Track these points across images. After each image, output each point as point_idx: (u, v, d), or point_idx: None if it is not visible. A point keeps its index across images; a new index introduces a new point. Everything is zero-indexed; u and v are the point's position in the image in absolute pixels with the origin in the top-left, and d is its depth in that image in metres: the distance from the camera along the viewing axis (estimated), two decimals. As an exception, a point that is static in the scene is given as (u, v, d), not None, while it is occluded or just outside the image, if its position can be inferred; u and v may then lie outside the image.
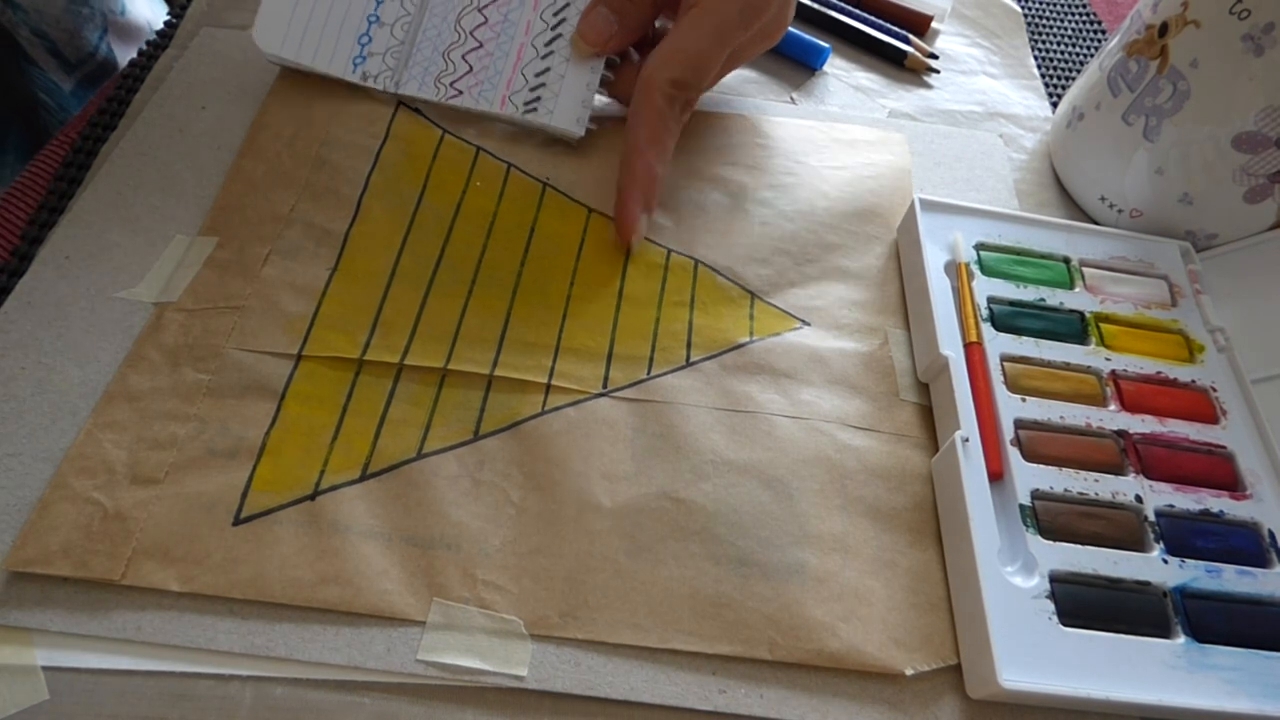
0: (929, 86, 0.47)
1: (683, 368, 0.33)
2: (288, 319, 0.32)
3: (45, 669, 0.25)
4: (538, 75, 0.39)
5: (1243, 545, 0.29)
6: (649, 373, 0.33)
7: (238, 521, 0.28)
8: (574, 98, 0.38)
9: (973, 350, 0.32)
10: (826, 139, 0.42)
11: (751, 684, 0.27)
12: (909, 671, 0.27)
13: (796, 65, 0.47)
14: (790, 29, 0.45)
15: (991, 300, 0.34)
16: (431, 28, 0.39)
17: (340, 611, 0.26)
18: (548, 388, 0.32)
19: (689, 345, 0.34)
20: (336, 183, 0.36)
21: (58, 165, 0.38)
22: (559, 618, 0.27)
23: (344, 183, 0.36)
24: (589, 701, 0.26)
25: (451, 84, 0.39)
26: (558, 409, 0.31)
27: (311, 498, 0.28)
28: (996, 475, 0.30)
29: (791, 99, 0.45)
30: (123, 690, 0.25)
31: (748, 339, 0.34)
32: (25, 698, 0.24)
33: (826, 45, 0.47)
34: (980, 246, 0.36)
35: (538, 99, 0.38)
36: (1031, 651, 0.26)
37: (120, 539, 0.27)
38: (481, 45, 0.39)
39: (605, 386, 0.32)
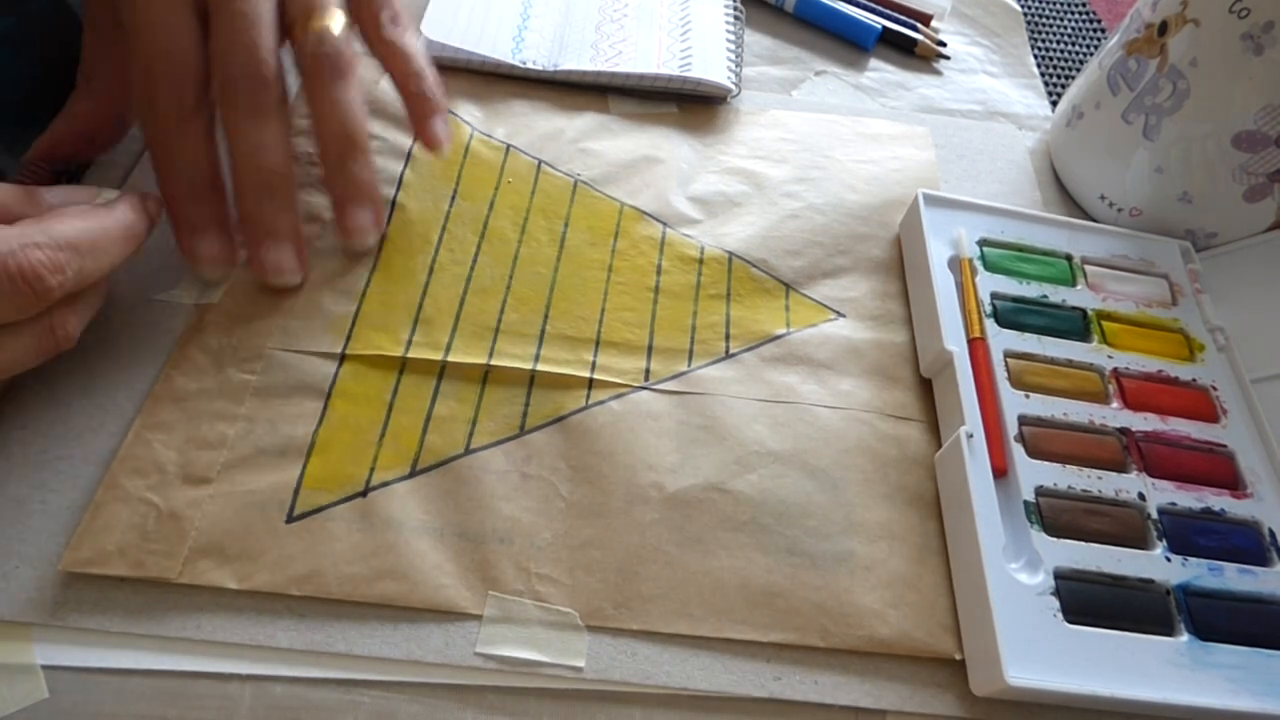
0: (937, 73, 0.48)
1: (722, 359, 0.33)
2: (330, 319, 0.32)
3: (44, 668, 0.25)
4: (684, 36, 0.43)
5: (1243, 544, 0.30)
6: (689, 365, 0.33)
7: (291, 519, 0.28)
8: (720, 57, 0.43)
9: (976, 346, 0.33)
10: (851, 133, 0.42)
11: (805, 670, 0.27)
12: (959, 655, 0.27)
13: (846, 44, 0.49)
14: (840, 7, 0.48)
15: (995, 296, 0.35)
16: (580, 7, 0.45)
17: (397, 606, 0.27)
18: (590, 382, 0.32)
19: (727, 337, 0.34)
20: (370, 182, 0.36)
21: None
22: (613, 609, 0.27)
23: (378, 183, 0.36)
24: (591, 697, 0.26)
25: (608, 57, 0.42)
26: (601, 403, 0.31)
27: (363, 494, 0.29)
28: (1001, 471, 0.30)
29: (791, 97, 0.45)
30: (122, 689, 0.25)
31: (784, 330, 0.34)
32: (25, 696, 0.24)
33: (878, 25, 0.48)
34: (983, 243, 0.36)
35: (690, 58, 0.42)
36: (1037, 649, 0.26)
37: (176, 538, 0.27)
38: (628, 15, 0.45)
39: (647, 379, 0.32)
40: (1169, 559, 0.29)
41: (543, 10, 0.45)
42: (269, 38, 0.29)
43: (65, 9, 0.38)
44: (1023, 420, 0.31)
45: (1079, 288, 0.36)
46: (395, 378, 0.31)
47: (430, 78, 0.34)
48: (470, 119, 0.40)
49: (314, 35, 0.30)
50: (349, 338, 0.32)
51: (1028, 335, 0.34)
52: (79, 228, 0.26)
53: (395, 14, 0.34)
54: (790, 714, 0.26)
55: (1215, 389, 0.33)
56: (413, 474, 0.29)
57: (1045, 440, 0.31)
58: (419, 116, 0.34)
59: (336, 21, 0.31)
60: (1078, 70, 0.50)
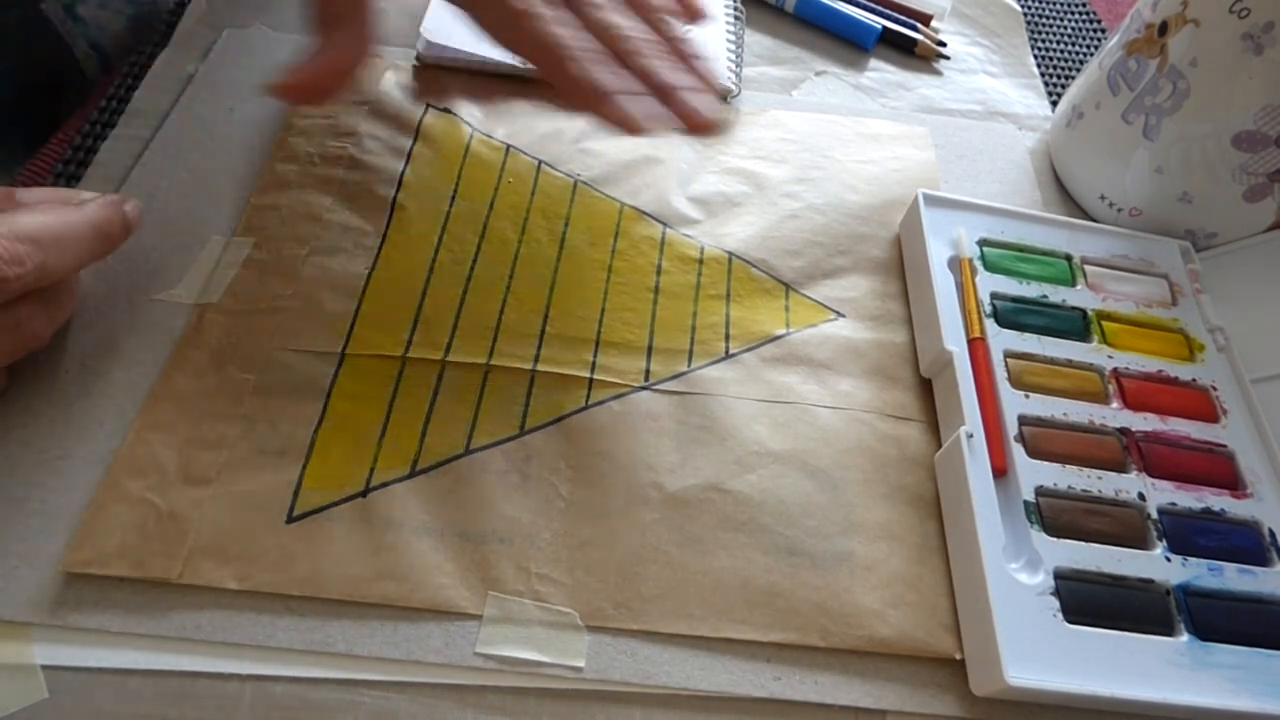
0: (937, 73, 0.48)
1: (722, 360, 0.33)
2: (329, 318, 0.32)
3: (44, 668, 0.25)
4: (684, 36, 0.42)
5: (1243, 544, 0.30)
6: (689, 365, 0.33)
7: (291, 519, 0.28)
8: (720, 57, 0.43)
9: (976, 346, 0.33)
10: (851, 133, 0.42)
11: (805, 670, 0.27)
12: (959, 655, 0.27)
13: (846, 44, 0.48)
14: (840, 7, 0.48)
15: (994, 296, 0.35)
16: None
17: (397, 606, 0.27)
18: (590, 382, 0.32)
19: (727, 337, 0.34)
20: (370, 183, 0.37)
21: (55, 162, 0.37)
22: (613, 609, 0.27)
23: (378, 183, 0.37)
24: (591, 697, 0.26)
25: None
26: (601, 403, 0.31)
27: (363, 494, 0.29)
28: (1001, 471, 0.30)
29: (791, 97, 0.45)
30: (121, 689, 0.25)
31: (784, 331, 0.34)
32: (25, 696, 0.24)
33: (878, 25, 0.48)
34: (983, 243, 0.36)
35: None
36: (1037, 649, 0.26)
37: (176, 539, 0.27)
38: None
39: (647, 379, 0.32)
40: (1169, 559, 0.29)
41: None
42: None
43: (40, 18, 0.39)
44: (1023, 420, 0.31)
45: (1079, 288, 0.36)
46: (395, 378, 0.31)
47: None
48: (470, 119, 0.40)
49: None
50: (349, 337, 0.32)
51: (1028, 335, 0.34)
52: (42, 221, 0.26)
53: None
54: (790, 714, 0.27)
55: (1215, 389, 0.33)
56: (413, 474, 0.29)
57: (1045, 440, 0.31)
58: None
59: None
60: (1078, 70, 0.50)
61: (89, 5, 0.42)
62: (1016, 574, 0.28)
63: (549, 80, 0.31)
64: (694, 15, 0.35)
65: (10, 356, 0.27)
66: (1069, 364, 0.33)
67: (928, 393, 0.33)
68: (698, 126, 0.31)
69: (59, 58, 0.41)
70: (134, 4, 0.44)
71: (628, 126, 0.30)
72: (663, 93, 0.31)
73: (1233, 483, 0.31)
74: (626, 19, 0.31)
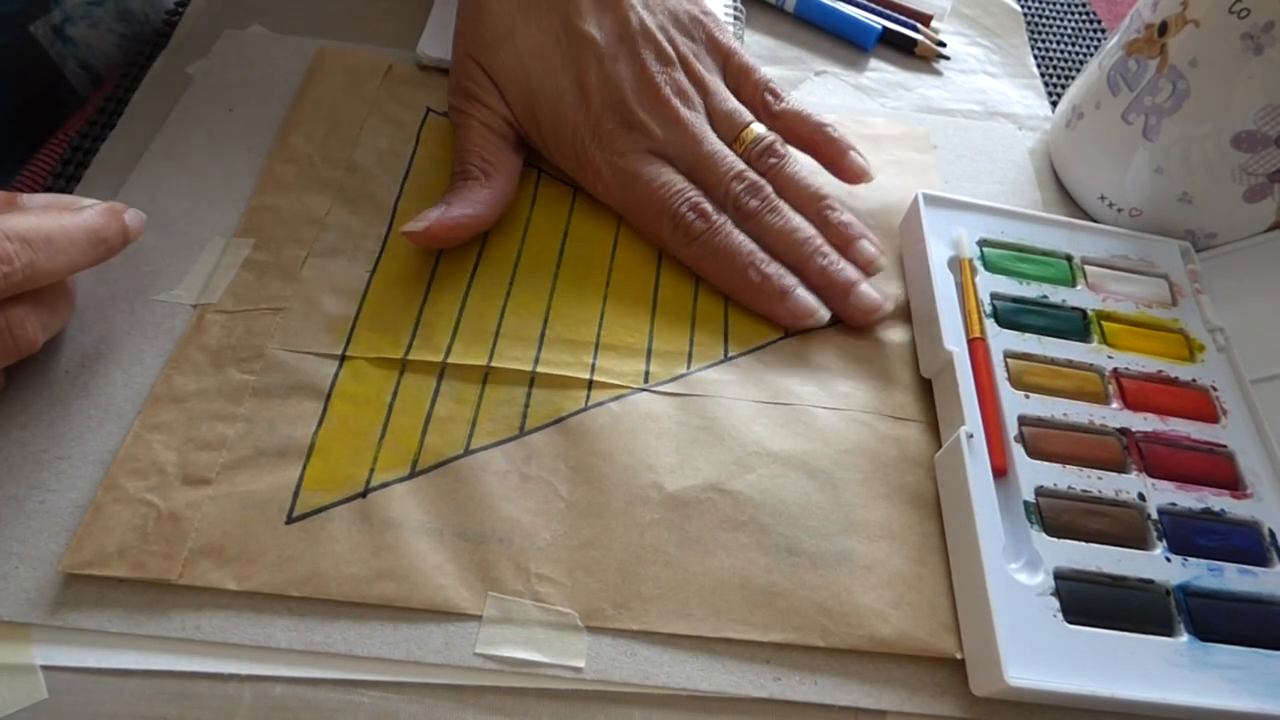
0: (937, 74, 0.48)
1: (721, 362, 0.33)
2: (329, 320, 0.32)
3: (44, 668, 0.25)
4: None
5: (1243, 544, 0.30)
6: (688, 367, 0.33)
7: (290, 520, 0.28)
8: None
9: (976, 346, 0.32)
10: (851, 133, 0.42)
11: (805, 671, 0.27)
12: (959, 655, 0.27)
13: (846, 44, 0.49)
14: (840, 7, 0.48)
15: (995, 296, 0.34)
16: None
17: (397, 607, 0.27)
18: (590, 383, 0.32)
19: (726, 340, 0.34)
20: (371, 187, 0.37)
21: (54, 163, 0.37)
22: (613, 609, 0.27)
23: (379, 188, 0.37)
24: (591, 698, 0.26)
25: None
26: (600, 404, 0.31)
27: (363, 495, 0.29)
28: (1001, 472, 0.30)
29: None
30: (121, 689, 0.25)
31: (783, 334, 0.34)
32: (24, 697, 0.24)
33: (878, 25, 0.48)
34: (983, 243, 0.36)
35: None
36: (1037, 649, 0.26)
37: (175, 539, 0.27)
38: None
39: (646, 381, 0.32)
40: (1169, 559, 0.29)
41: None
42: (736, 158, 0.35)
43: (33, 40, 0.39)
44: (1023, 420, 0.31)
45: (1079, 288, 0.36)
46: (395, 378, 0.31)
47: (829, 124, 0.38)
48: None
49: (752, 140, 0.36)
50: (349, 339, 0.32)
51: (1028, 335, 0.33)
52: (34, 223, 0.26)
53: (772, 90, 0.39)
54: (790, 714, 0.27)
55: (1215, 389, 0.33)
56: (412, 474, 0.29)
57: (1045, 440, 0.31)
58: (836, 155, 0.37)
59: (758, 125, 0.37)
60: (1078, 70, 0.50)
61: (79, 26, 0.42)
62: (1016, 574, 0.27)
63: (726, 288, 0.35)
64: (857, 179, 0.37)
65: (2, 361, 0.27)
66: (1069, 364, 0.33)
67: (928, 393, 0.33)
68: (868, 324, 0.35)
69: (50, 80, 0.41)
70: (125, 23, 0.44)
71: (811, 320, 0.34)
72: (840, 290, 0.34)
73: (1233, 483, 0.31)
74: (795, 216, 0.35)
